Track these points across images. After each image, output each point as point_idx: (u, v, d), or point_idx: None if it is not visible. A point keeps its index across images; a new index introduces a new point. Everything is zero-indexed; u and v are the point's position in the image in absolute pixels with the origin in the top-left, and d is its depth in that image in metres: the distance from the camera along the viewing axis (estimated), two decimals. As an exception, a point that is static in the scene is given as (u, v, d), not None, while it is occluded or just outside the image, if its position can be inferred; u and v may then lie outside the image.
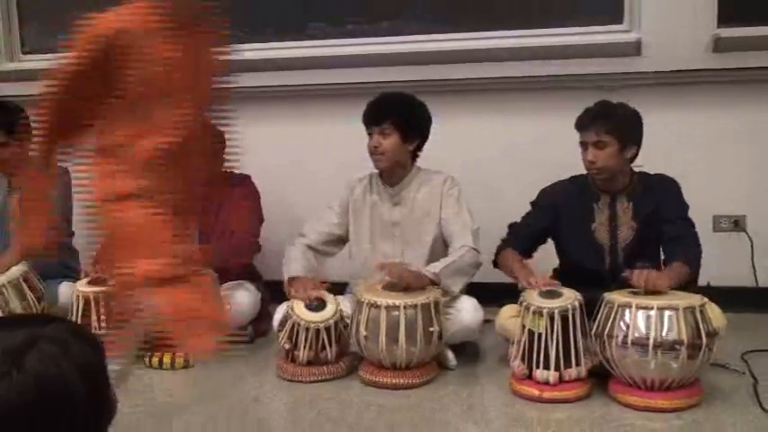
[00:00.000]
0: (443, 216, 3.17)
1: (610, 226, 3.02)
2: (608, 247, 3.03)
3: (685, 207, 2.99)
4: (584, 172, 3.04)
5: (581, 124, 2.96)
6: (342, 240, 3.36)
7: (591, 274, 2.98)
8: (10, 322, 1.10)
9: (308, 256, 3.24)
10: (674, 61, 3.59)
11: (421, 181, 3.25)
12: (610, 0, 3.72)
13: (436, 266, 2.97)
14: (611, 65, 3.63)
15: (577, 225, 3.06)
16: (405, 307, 2.80)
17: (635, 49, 3.60)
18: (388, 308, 2.81)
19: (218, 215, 3.51)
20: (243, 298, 3.41)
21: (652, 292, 2.63)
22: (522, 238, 3.13)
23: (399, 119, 3.13)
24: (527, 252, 3.11)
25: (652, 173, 3.05)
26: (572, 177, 3.13)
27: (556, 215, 3.11)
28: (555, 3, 3.81)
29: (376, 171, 3.29)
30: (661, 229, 2.94)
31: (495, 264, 3.14)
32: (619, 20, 3.71)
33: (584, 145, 2.96)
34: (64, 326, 1.08)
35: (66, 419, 1.00)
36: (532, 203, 3.18)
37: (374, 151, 3.16)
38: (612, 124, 2.90)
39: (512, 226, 3.19)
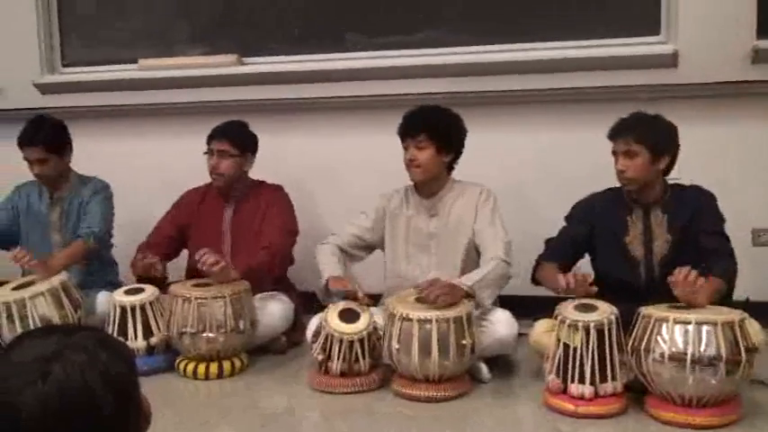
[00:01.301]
0: (477, 227, 3.17)
1: (644, 239, 2.99)
2: (643, 260, 3.00)
3: (722, 221, 2.95)
4: (619, 184, 3.02)
5: (612, 133, 2.95)
6: (370, 247, 3.38)
7: (626, 289, 2.95)
8: (40, 331, 1.10)
9: (340, 256, 3.26)
10: (712, 73, 3.55)
11: (457, 193, 3.25)
12: (646, 11, 3.69)
13: (471, 278, 2.96)
14: (647, 76, 3.59)
15: (611, 238, 3.04)
16: (437, 320, 2.78)
17: (672, 60, 3.57)
18: (420, 321, 2.80)
19: (255, 220, 3.55)
20: (276, 308, 3.42)
21: (689, 306, 2.60)
22: (558, 253, 3.10)
23: (435, 131, 3.13)
24: (565, 267, 3.07)
25: (687, 185, 3.02)
26: (606, 190, 3.11)
27: (590, 228, 3.09)
28: (591, 14, 3.78)
29: (411, 183, 3.30)
30: (695, 240, 2.90)
31: (534, 280, 3.12)
32: (656, 31, 3.68)
33: (615, 154, 2.95)
34: (92, 335, 1.08)
35: (92, 429, 1.01)
36: (567, 217, 3.17)
37: (410, 164, 3.17)
38: (643, 134, 2.88)
39: (548, 241, 3.17)
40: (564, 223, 3.17)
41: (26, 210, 3.76)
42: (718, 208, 2.95)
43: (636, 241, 3.01)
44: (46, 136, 3.57)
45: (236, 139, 3.51)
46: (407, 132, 3.17)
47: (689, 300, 2.59)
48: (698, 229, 2.91)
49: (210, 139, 3.52)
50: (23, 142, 3.56)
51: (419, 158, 3.14)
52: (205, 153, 3.52)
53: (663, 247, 2.97)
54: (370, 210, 3.36)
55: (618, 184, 3.03)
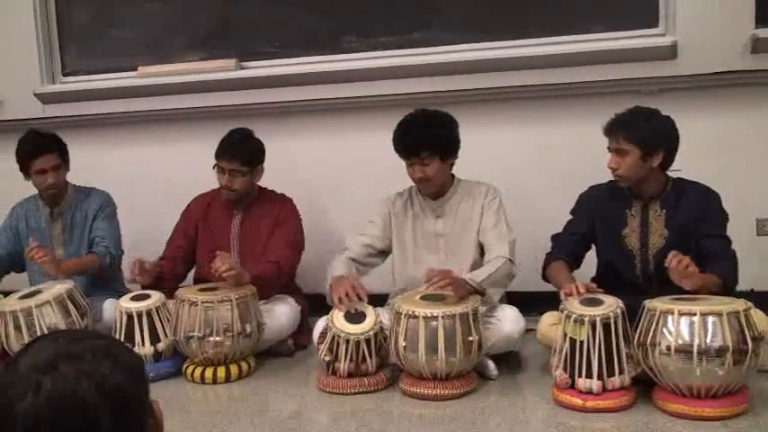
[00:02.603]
0: (482, 225, 3.17)
1: (641, 232, 2.99)
2: (638, 253, 2.99)
3: (725, 222, 2.92)
4: None
5: (605, 130, 2.95)
6: (383, 252, 3.36)
7: (624, 281, 2.96)
8: (47, 338, 1.08)
9: (351, 267, 3.24)
10: (712, 63, 3.55)
11: (463, 192, 3.24)
12: (644, 3, 3.69)
13: (479, 275, 2.96)
14: (647, 69, 3.59)
15: (610, 230, 3.04)
16: (443, 317, 2.79)
17: (671, 52, 3.56)
18: (426, 318, 2.80)
19: (263, 229, 3.56)
20: (283, 311, 3.43)
21: (693, 298, 2.60)
22: (565, 248, 3.10)
23: (436, 144, 3.10)
24: (574, 261, 3.08)
25: (690, 179, 3.01)
26: (609, 182, 3.10)
27: (592, 220, 3.10)
28: (588, 8, 3.77)
29: (415, 186, 3.29)
30: (697, 242, 2.89)
31: (545, 277, 3.11)
32: (654, 23, 3.68)
33: (609, 150, 2.95)
34: (97, 343, 1.05)
35: None
36: (572, 211, 3.17)
37: (419, 180, 3.15)
38: (633, 132, 2.86)
39: (555, 237, 3.17)
40: (565, 215, 3.16)
41: (26, 228, 3.74)
42: (722, 208, 2.93)
43: (633, 234, 3.00)
44: (55, 142, 3.59)
45: (244, 157, 3.48)
46: (409, 152, 3.11)
47: (681, 282, 2.60)
48: (700, 232, 2.90)
49: (219, 157, 3.48)
50: (37, 152, 3.53)
51: (427, 173, 3.12)
52: (214, 167, 3.51)
53: (658, 241, 2.96)
54: (376, 216, 3.34)
55: None
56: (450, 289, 2.87)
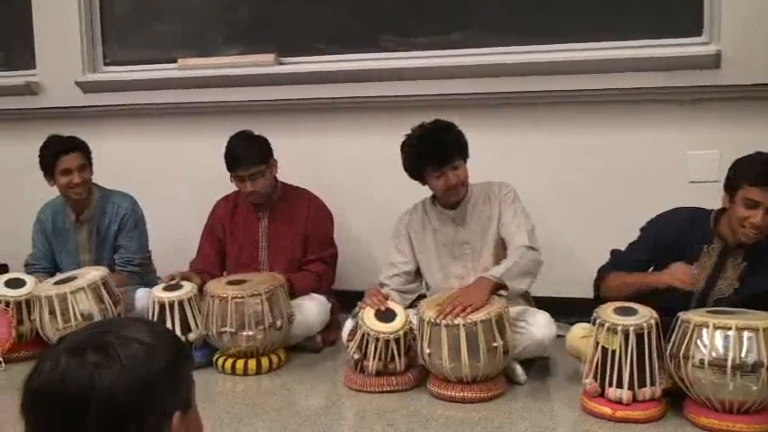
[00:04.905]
0: (502, 221, 3.16)
1: (710, 274, 2.79)
2: (699, 292, 2.79)
3: None
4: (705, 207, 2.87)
5: (756, 182, 2.61)
6: (418, 272, 3.35)
7: (673, 306, 2.72)
8: (84, 330, 1.16)
9: (395, 297, 3.20)
10: (755, 74, 3.48)
11: (477, 196, 3.23)
12: (689, 12, 3.63)
13: (497, 270, 2.97)
14: (690, 78, 3.54)
15: (677, 257, 2.81)
16: (464, 325, 2.78)
17: (714, 61, 3.51)
18: (447, 326, 2.79)
19: (292, 228, 3.57)
20: (312, 308, 3.44)
21: (729, 311, 2.56)
22: (624, 268, 2.92)
23: (461, 148, 3.12)
24: None
25: None
26: (692, 211, 2.90)
27: (661, 250, 2.89)
28: (631, 14, 3.73)
29: (428, 197, 3.29)
30: None
31: (598, 295, 2.95)
32: (698, 32, 3.62)
33: (753, 203, 2.63)
34: (126, 347, 1.08)
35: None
36: (642, 230, 2.97)
37: (455, 187, 3.11)
38: None
39: (614, 253, 3.02)
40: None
41: (52, 230, 3.77)
42: None
43: (701, 272, 2.78)
44: (80, 143, 3.61)
45: (257, 157, 3.46)
46: (443, 162, 3.07)
47: None
48: None
49: (234, 168, 3.46)
50: (62, 150, 3.54)
51: (461, 177, 3.12)
52: (232, 181, 3.52)
53: (726, 290, 2.79)
54: (394, 243, 3.33)
55: (702, 206, 2.88)
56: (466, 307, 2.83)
